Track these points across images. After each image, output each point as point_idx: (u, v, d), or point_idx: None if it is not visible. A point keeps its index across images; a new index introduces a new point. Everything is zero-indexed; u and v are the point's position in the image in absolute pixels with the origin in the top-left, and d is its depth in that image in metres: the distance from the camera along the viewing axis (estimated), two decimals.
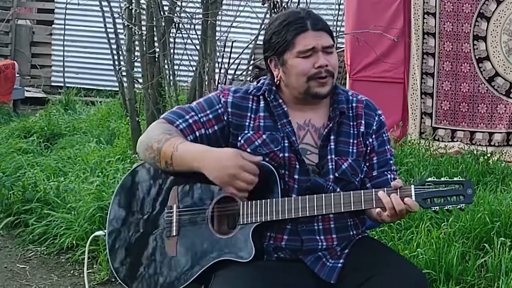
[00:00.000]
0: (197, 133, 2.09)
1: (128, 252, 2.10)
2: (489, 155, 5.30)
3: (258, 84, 2.16)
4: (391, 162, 2.16)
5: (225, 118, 2.10)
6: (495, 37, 5.56)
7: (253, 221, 2.00)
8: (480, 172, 4.87)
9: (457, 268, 3.22)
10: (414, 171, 4.76)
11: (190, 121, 2.09)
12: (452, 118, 5.76)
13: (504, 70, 5.55)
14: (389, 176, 2.13)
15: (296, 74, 2.05)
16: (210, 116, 2.10)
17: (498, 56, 5.57)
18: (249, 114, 2.11)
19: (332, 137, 2.10)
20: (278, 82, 2.12)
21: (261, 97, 2.13)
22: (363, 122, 2.14)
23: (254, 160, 1.97)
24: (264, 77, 2.20)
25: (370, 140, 2.14)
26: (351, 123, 2.13)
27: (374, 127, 2.15)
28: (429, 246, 3.34)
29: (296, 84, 2.07)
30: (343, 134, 2.11)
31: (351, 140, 2.12)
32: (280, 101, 2.12)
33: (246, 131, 2.09)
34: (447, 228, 3.57)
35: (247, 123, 2.10)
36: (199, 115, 2.10)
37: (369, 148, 2.13)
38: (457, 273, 3.22)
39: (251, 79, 2.07)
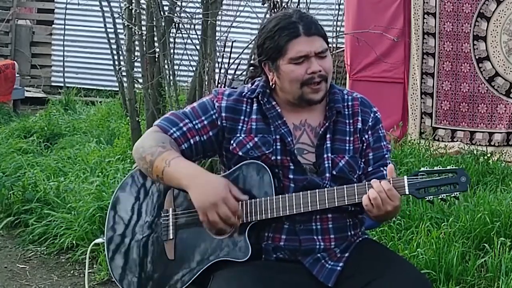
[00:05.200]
0: (192, 141, 2.09)
1: (127, 257, 2.11)
2: (489, 155, 5.30)
3: (253, 86, 2.16)
4: (386, 156, 2.16)
5: (219, 123, 2.10)
6: (495, 37, 5.56)
7: (248, 221, 2.00)
8: (480, 172, 4.87)
9: (457, 268, 3.22)
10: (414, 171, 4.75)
11: (184, 129, 2.09)
12: (452, 118, 5.76)
13: (504, 70, 5.55)
14: (385, 172, 2.11)
15: (290, 80, 2.05)
16: (205, 122, 2.09)
17: (498, 56, 5.57)
18: (242, 117, 2.11)
19: (328, 135, 2.10)
20: (273, 85, 2.11)
21: (254, 99, 2.12)
22: (359, 118, 2.14)
23: (240, 197, 1.97)
24: (259, 78, 2.19)
25: (366, 136, 2.14)
26: (347, 121, 2.13)
27: (370, 123, 2.15)
28: (429, 246, 3.34)
29: (289, 90, 2.07)
30: (339, 132, 2.11)
31: (347, 138, 2.12)
32: (274, 103, 2.11)
33: (238, 135, 2.09)
34: (447, 228, 3.57)
35: (239, 127, 2.10)
36: (194, 122, 2.09)
37: (365, 144, 2.13)
38: (457, 273, 3.22)
39: (247, 79, 2.07)
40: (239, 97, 2.13)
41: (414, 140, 5.72)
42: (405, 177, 1.95)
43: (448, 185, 1.94)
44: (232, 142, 2.08)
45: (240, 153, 2.07)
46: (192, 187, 1.95)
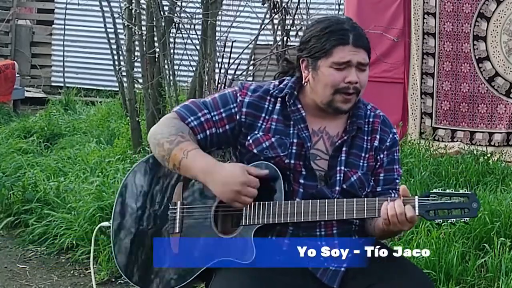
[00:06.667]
0: (208, 132, 2.09)
1: (131, 245, 2.12)
2: (489, 155, 5.30)
3: (281, 85, 2.14)
4: (397, 181, 2.15)
5: (237, 117, 2.09)
6: (495, 37, 5.56)
7: (255, 223, 1.99)
8: (480, 172, 4.87)
9: (457, 268, 3.22)
10: (414, 171, 4.75)
11: (202, 119, 2.08)
12: (452, 118, 5.76)
13: (504, 70, 5.55)
14: (393, 195, 2.11)
15: (325, 83, 2.04)
16: (223, 115, 2.09)
17: (498, 56, 5.57)
18: (263, 115, 2.10)
19: (344, 148, 2.09)
20: (306, 84, 2.10)
21: (279, 99, 2.11)
22: (377, 137, 2.14)
23: (261, 174, 1.99)
24: (288, 78, 2.18)
25: (381, 155, 2.13)
26: (366, 137, 2.13)
27: (388, 144, 2.15)
28: (429, 246, 3.34)
29: (321, 93, 2.06)
30: (355, 147, 2.11)
31: (363, 154, 2.11)
32: (299, 106, 2.10)
33: (256, 132, 2.08)
34: (447, 228, 3.56)
35: (259, 124, 2.09)
36: (212, 113, 2.09)
37: (378, 164, 2.13)
38: (457, 273, 3.22)
39: (278, 74, 2.08)
40: (264, 94, 2.12)
41: (414, 140, 5.72)
42: (416, 197, 1.94)
43: (458, 209, 1.92)
44: (248, 138, 2.08)
45: (255, 151, 2.06)
46: (211, 181, 1.97)
